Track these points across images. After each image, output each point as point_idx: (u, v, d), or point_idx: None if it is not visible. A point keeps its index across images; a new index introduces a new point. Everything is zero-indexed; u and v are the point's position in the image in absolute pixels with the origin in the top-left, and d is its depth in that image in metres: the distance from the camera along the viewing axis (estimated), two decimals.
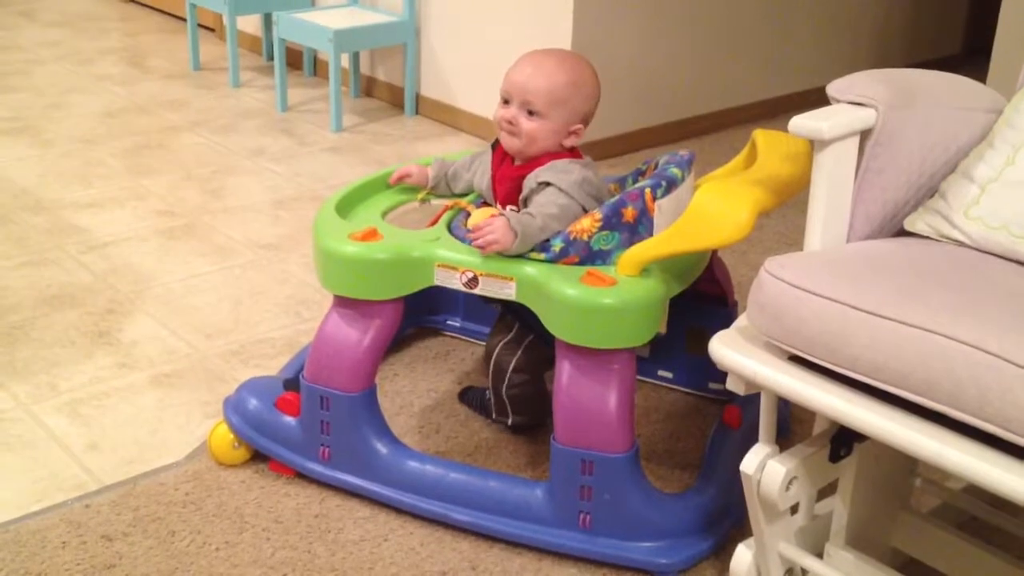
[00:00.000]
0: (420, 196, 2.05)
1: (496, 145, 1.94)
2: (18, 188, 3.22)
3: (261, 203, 3.19)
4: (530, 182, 1.82)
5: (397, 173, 2.04)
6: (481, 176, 1.97)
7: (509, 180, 1.88)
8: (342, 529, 1.84)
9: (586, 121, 1.88)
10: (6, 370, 2.28)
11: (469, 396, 2.17)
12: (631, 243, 1.74)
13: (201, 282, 2.69)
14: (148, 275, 2.71)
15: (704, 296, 2.06)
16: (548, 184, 1.79)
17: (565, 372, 1.72)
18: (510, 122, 1.83)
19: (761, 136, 1.89)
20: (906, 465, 1.67)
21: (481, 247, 1.72)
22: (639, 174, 1.97)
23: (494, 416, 2.06)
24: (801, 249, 1.56)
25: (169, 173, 3.38)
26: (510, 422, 2.04)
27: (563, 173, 1.80)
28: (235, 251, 2.87)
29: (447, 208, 1.93)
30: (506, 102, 1.85)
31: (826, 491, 1.63)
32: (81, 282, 2.66)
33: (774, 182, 1.69)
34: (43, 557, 1.75)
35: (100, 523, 1.83)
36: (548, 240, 1.74)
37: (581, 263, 1.74)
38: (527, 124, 1.83)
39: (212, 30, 4.96)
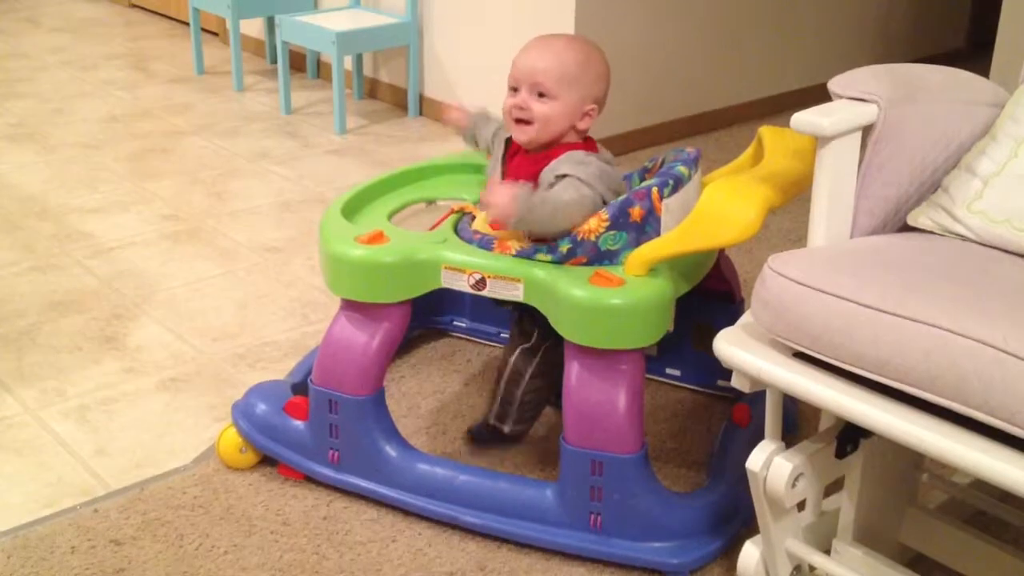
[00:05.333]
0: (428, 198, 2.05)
1: (511, 139, 1.91)
2: (24, 194, 3.22)
3: (266, 206, 3.19)
4: (547, 176, 1.79)
5: (444, 109, 2.08)
6: (492, 166, 1.95)
7: (525, 176, 1.84)
8: (350, 531, 1.84)
9: (599, 103, 1.85)
10: (14, 376, 2.28)
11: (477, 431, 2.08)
12: (638, 243, 1.73)
13: (206, 286, 2.70)
14: (154, 279, 2.72)
15: (711, 293, 2.06)
16: (567, 176, 1.77)
17: (574, 373, 1.72)
18: (520, 107, 1.80)
19: (767, 133, 1.88)
20: (912, 460, 1.66)
21: (489, 205, 1.71)
22: (645, 171, 1.96)
23: (491, 421, 1.99)
24: (805, 245, 1.56)
25: (174, 177, 3.39)
26: (507, 430, 1.97)
27: (581, 164, 1.78)
28: (240, 254, 2.87)
29: (452, 211, 1.92)
30: (514, 90, 1.83)
31: (833, 487, 1.63)
32: (87, 287, 2.67)
33: (781, 179, 1.69)
34: (52, 562, 1.76)
35: (109, 527, 1.84)
36: (556, 241, 1.74)
37: (589, 263, 1.73)
38: (539, 107, 1.80)
39: (215, 34, 4.97)
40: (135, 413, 2.17)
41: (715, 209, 1.62)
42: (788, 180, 1.70)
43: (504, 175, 1.90)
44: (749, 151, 1.93)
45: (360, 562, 1.77)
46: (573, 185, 1.76)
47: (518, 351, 1.94)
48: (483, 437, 2.04)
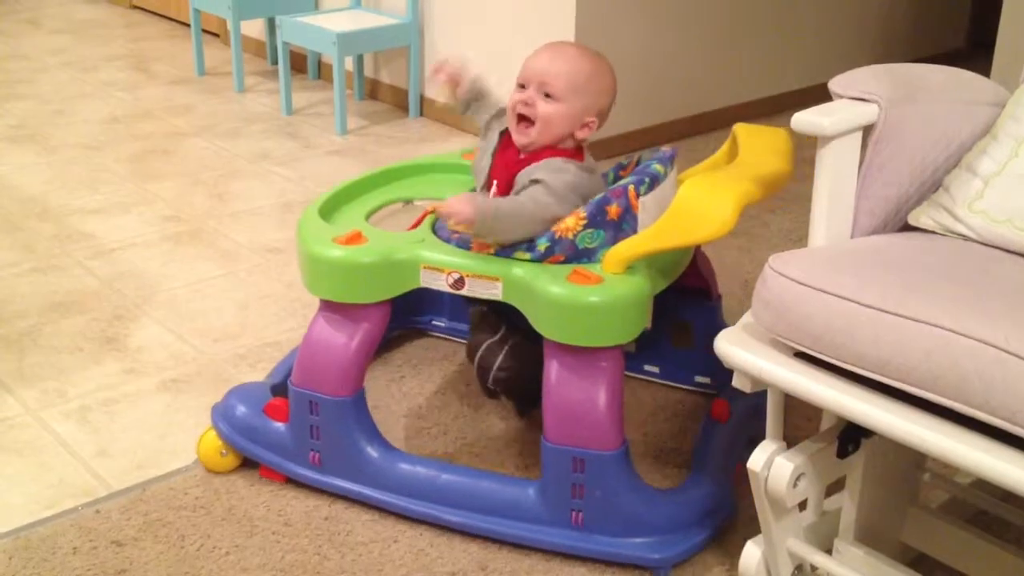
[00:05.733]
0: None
1: (505, 131, 1.91)
2: (25, 195, 3.23)
3: (267, 207, 3.19)
4: (523, 179, 1.81)
5: (435, 64, 1.98)
6: (481, 154, 1.94)
7: (510, 174, 1.85)
8: (351, 531, 1.84)
9: (601, 116, 1.87)
10: (15, 377, 2.28)
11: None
12: (616, 240, 1.73)
13: (207, 287, 2.70)
14: (155, 280, 2.72)
15: (688, 290, 2.06)
16: (538, 182, 1.78)
17: (554, 371, 1.72)
18: (526, 103, 1.81)
19: (742, 130, 1.90)
20: (914, 460, 1.66)
21: (446, 215, 1.70)
22: (620, 168, 1.97)
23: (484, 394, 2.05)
24: (806, 245, 1.56)
25: (175, 178, 3.39)
26: (518, 409, 2.03)
27: (557, 172, 1.79)
28: (241, 255, 2.87)
29: (429, 211, 1.92)
30: (521, 88, 1.84)
31: (835, 487, 1.63)
32: (88, 288, 2.67)
33: (757, 176, 1.69)
34: (53, 563, 1.76)
35: (110, 528, 1.84)
36: (533, 239, 1.73)
37: (567, 261, 1.73)
38: (543, 107, 1.81)
39: (216, 35, 4.97)
40: (136, 414, 2.17)
41: (691, 206, 1.63)
42: (764, 177, 1.70)
43: (492, 168, 1.90)
44: (724, 148, 1.94)
45: (362, 563, 1.77)
46: (535, 194, 1.76)
47: (484, 347, 1.93)
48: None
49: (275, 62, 4.51)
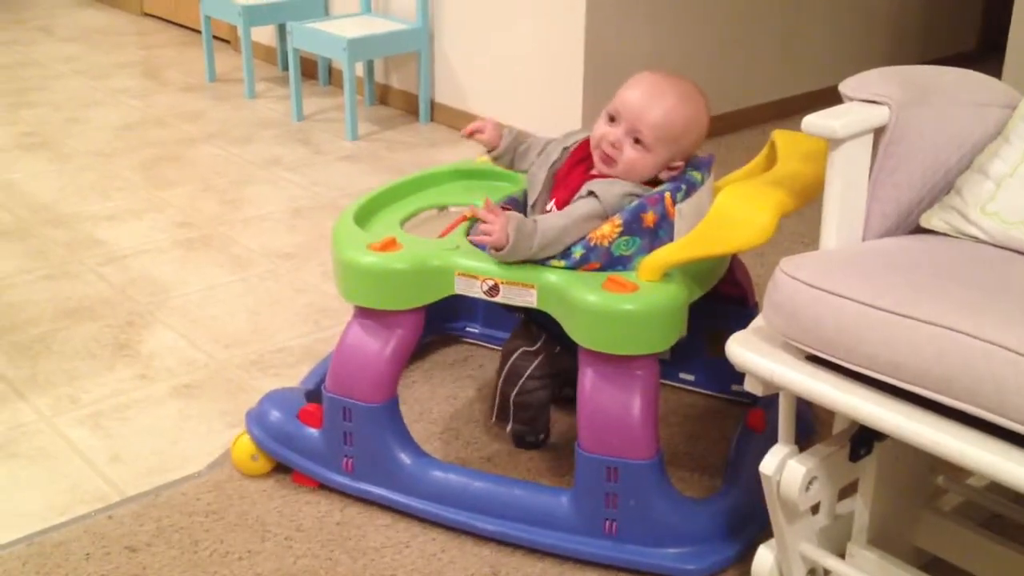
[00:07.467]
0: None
1: (573, 148, 1.89)
2: (38, 202, 3.24)
3: (278, 213, 3.20)
4: (583, 190, 1.78)
5: (471, 127, 1.95)
6: (539, 168, 1.91)
7: (575, 190, 1.81)
8: (363, 536, 1.84)
9: (687, 159, 1.84)
10: (28, 383, 2.29)
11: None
12: (652, 248, 1.73)
13: (219, 292, 2.70)
14: (167, 286, 2.73)
15: (724, 298, 2.05)
16: (592, 194, 1.75)
17: (588, 379, 1.72)
18: (613, 145, 1.78)
19: (780, 136, 1.88)
20: (927, 463, 1.66)
21: (481, 234, 1.70)
22: None
23: (494, 419, 2.03)
24: (817, 248, 1.56)
25: (186, 184, 3.40)
26: (508, 429, 2.00)
27: (611, 187, 1.77)
28: (253, 261, 2.88)
29: (464, 218, 1.92)
30: (611, 119, 1.80)
31: (847, 491, 1.63)
32: (101, 294, 2.68)
33: (795, 183, 1.69)
34: (67, 569, 1.76)
35: (123, 534, 1.84)
36: (568, 247, 1.73)
37: (602, 269, 1.73)
38: (630, 153, 1.78)
39: (227, 42, 4.98)
40: (149, 420, 2.18)
41: (729, 214, 1.62)
42: (802, 184, 1.70)
43: (554, 185, 1.88)
44: (762, 155, 1.93)
45: (373, 567, 1.77)
46: (589, 206, 1.74)
47: (519, 352, 1.93)
48: (519, 443, 2.06)
49: (286, 68, 4.52)
